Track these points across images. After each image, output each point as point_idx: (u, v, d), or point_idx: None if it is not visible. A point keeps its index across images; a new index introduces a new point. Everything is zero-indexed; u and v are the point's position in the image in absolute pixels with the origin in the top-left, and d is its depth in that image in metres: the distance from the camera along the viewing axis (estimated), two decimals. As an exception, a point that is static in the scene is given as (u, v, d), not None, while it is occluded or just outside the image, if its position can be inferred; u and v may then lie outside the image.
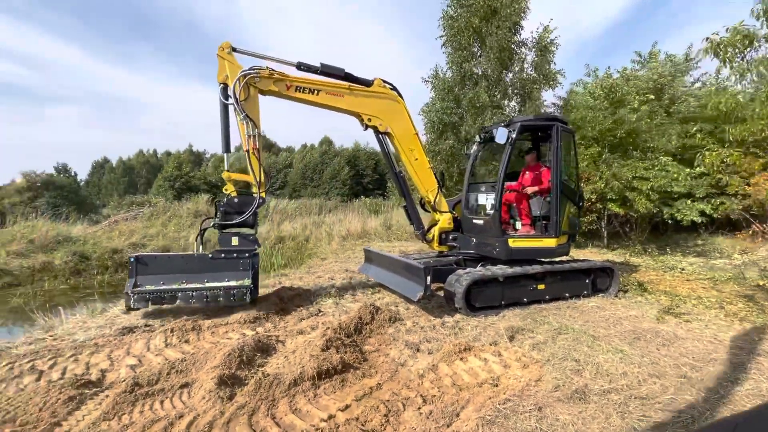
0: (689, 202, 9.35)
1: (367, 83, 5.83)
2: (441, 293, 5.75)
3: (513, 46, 11.43)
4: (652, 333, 4.28)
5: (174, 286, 4.93)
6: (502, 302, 5.29)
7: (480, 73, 11.45)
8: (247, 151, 5.21)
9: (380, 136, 6.02)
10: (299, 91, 5.48)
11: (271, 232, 16.38)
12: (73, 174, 52.15)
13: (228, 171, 5.26)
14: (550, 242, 5.56)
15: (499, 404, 2.83)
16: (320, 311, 5.46)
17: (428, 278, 4.80)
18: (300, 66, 5.50)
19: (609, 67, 11.54)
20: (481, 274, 5.13)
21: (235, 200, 5.20)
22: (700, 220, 9.27)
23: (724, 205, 9.71)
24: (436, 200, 6.23)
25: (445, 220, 6.26)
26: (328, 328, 4.29)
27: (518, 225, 6.06)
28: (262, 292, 6.35)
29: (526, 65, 11.59)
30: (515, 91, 11.55)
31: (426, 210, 6.56)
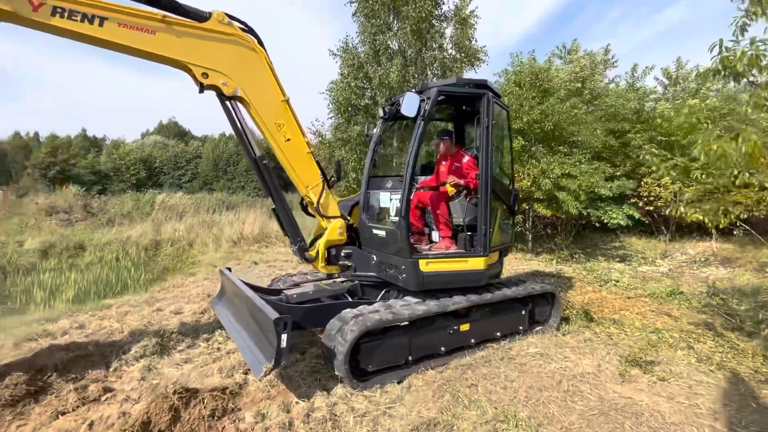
0: (624, 207, 8.60)
1: (201, 16, 3.63)
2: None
3: (433, 21, 9.86)
4: (630, 414, 2.76)
5: None
6: (410, 358, 3.49)
7: (396, 48, 9.71)
8: None
9: (227, 102, 3.86)
10: (61, 17, 3.09)
11: (146, 235, 13.12)
12: None
13: None
14: (477, 263, 3.88)
15: None
16: (108, 390, 3.17)
17: (283, 337, 2.78)
18: (70, -31, 3.11)
19: (534, 51, 10.54)
20: (376, 319, 3.26)
21: None
22: (627, 223, 8.56)
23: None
24: (321, 201, 4.24)
25: (334, 230, 4.30)
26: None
27: (435, 236, 4.34)
28: (22, 351, 3.81)
29: (445, 41, 10.09)
30: (434, 71, 9.99)
31: (309, 214, 4.54)
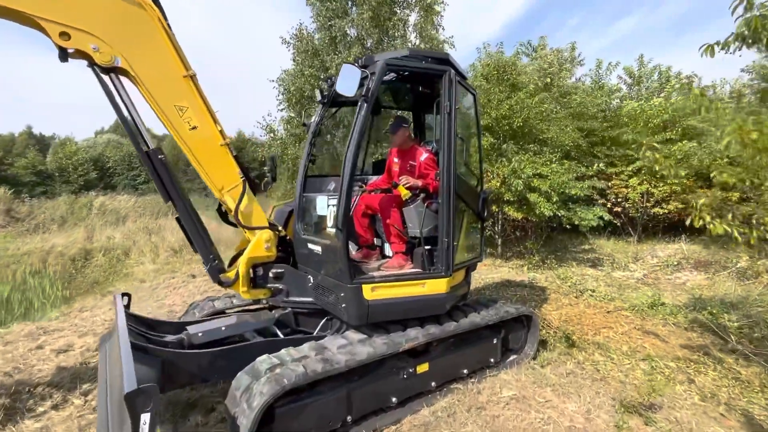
0: (595, 208, 8.18)
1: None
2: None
3: (395, 8, 9.05)
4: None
5: None
6: (348, 419, 2.62)
7: (354, 35, 8.83)
8: None
9: (104, 76, 2.89)
10: None
11: (75, 243, 11.56)
12: None
13: None
14: (438, 285, 3.07)
15: None
16: None
17: (144, 420, 1.83)
18: None
19: (501, 43, 9.95)
20: (299, 373, 2.36)
21: None
22: (598, 223, 8.11)
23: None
24: (242, 207, 3.30)
25: (259, 244, 3.36)
26: None
27: (387, 250, 3.50)
28: None
29: (408, 30, 9.29)
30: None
31: (229, 223, 3.58)
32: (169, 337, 3.00)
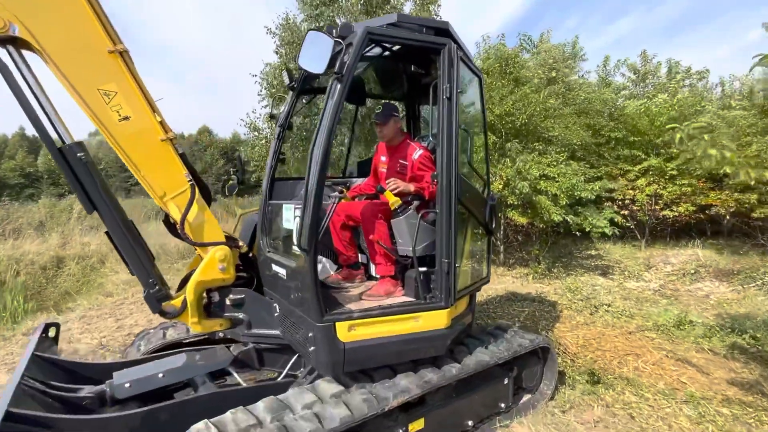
0: (605, 211, 7.56)
1: None
2: None
3: (388, -5, 8.42)
4: None
5: None
6: None
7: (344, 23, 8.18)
8: None
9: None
10: None
11: (48, 250, 10.81)
12: None
13: None
14: (436, 319, 2.39)
15: None
16: None
17: None
18: None
19: (503, 35, 9.26)
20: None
21: None
22: (612, 232, 7.47)
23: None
24: (190, 218, 2.63)
25: (211, 264, 2.68)
26: None
27: (374, 272, 2.82)
28: None
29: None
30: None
31: (178, 236, 2.89)
32: (86, 390, 2.31)
